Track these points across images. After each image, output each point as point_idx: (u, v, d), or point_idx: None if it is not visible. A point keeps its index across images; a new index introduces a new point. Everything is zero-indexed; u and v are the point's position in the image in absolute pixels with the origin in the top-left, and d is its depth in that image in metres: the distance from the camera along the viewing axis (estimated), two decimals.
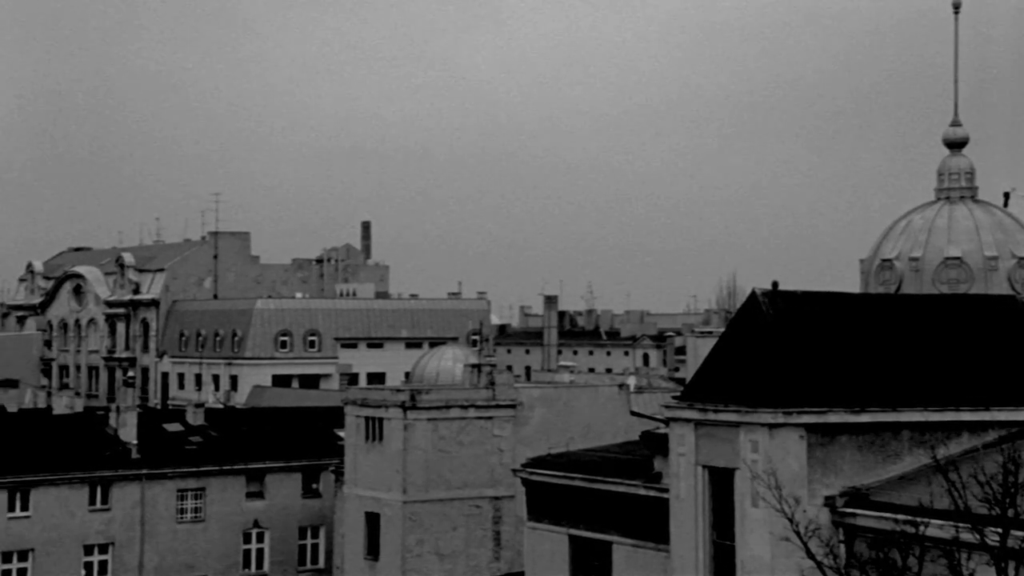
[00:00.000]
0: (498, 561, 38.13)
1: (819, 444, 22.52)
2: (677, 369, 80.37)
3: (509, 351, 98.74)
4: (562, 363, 69.05)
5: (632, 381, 51.42)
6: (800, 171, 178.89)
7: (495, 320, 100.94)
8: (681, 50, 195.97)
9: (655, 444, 26.83)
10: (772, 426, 22.35)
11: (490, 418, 39.09)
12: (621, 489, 27.17)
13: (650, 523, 25.81)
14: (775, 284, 24.84)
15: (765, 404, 22.48)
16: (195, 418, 51.20)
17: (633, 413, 40.56)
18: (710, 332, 50.63)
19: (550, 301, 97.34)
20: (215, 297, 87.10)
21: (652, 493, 26.18)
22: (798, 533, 20.06)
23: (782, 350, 23.58)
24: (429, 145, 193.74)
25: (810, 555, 19.90)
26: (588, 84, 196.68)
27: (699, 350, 39.58)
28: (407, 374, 57.94)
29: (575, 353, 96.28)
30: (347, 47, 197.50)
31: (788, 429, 22.34)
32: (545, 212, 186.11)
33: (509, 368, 48.80)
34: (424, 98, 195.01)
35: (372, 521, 38.58)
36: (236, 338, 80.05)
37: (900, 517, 20.14)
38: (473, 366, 42.85)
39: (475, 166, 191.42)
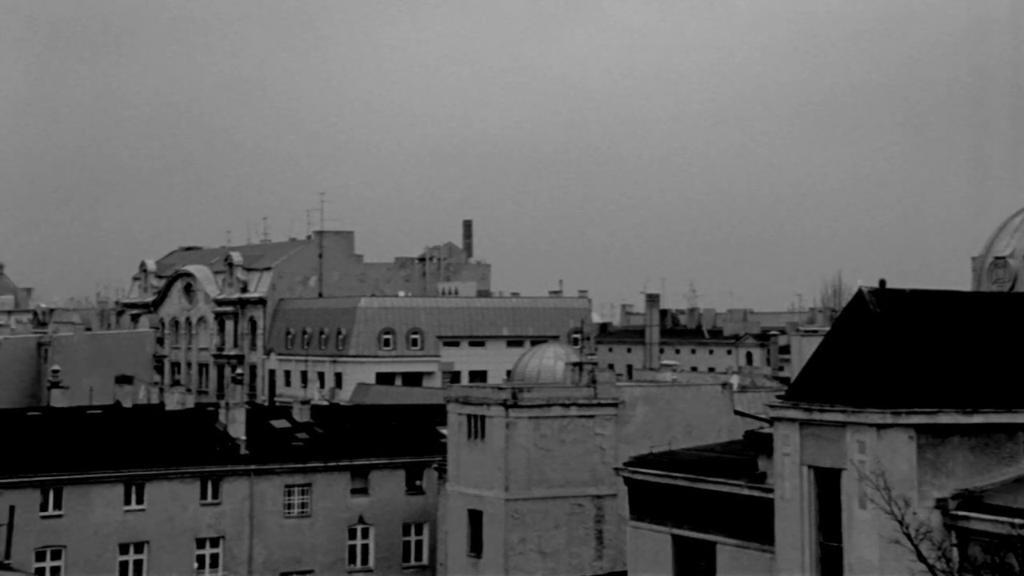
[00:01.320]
0: (600, 560, 38.06)
1: (929, 445, 22.05)
2: (781, 368, 79.24)
3: (610, 350, 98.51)
4: (664, 362, 68.60)
5: (735, 380, 50.86)
6: (909, 165, 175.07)
7: (596, 319, 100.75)
8: (776, 41, 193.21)
9: (759, 444, 26.54)
10: (880, 426, 21.95)
11: (592, 416, 39.04)
12: (725, 489, 26.93)
13: (755, 523, 25.54)
14: (882, 282, 24.38)
15: (873, 404, 22.08)
16: (301, 415, 52.03)
17: (736, 412, 40.14)
18: (815, 331, 49.85)
19: (652, 300, 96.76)
20: (320, 296, 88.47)
21: (756, 493, 25.89)
22: (909, 536, 19.67)
23: (890, 349, 23.13)
24: (531, 144, 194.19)
25: (921, 558, 19.50)
26: (686, 79, 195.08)
27: (804, 349, 39.04)
28: (508, 372, 58.15)
29: (677, 352, 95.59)
30: (447, 50, 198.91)
31: (897, 430, 21.92)
32: (647, 210, 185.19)
33: (610, 367, 48.78)
34: (525, 97, 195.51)
35: (475, 518, 38.81)
36: (340, 336, 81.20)
37: (1017, 521, 19.63)
38: (574, 364, 42.83)
39: (577, 164, 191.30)
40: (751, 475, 26.57)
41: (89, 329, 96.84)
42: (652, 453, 31.87)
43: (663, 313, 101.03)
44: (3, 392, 67.18)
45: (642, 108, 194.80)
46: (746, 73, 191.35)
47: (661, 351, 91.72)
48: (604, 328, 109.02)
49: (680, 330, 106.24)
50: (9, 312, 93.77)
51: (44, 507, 43.76)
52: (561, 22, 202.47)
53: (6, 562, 39.61)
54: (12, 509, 41.78)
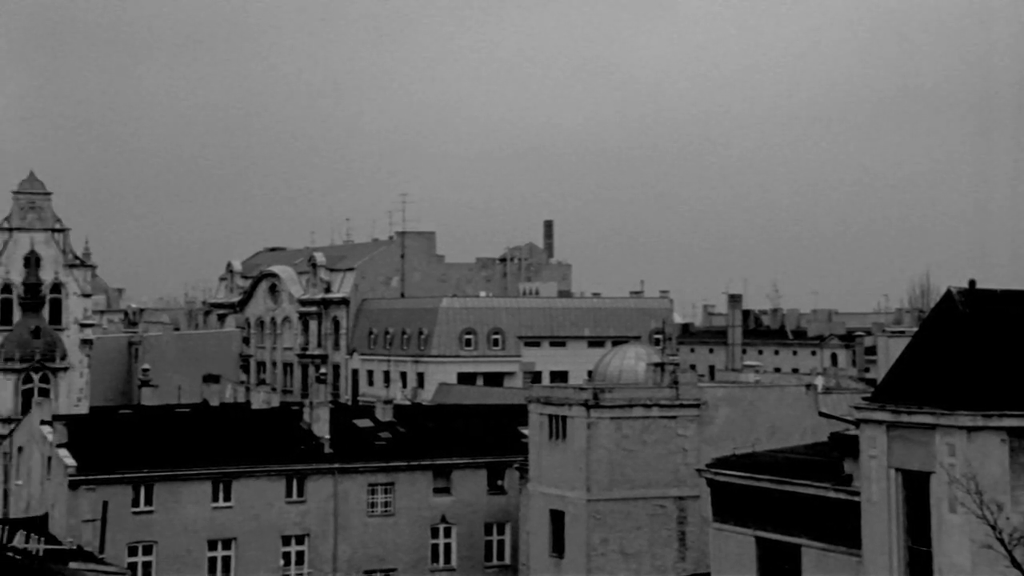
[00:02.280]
0: (683, 561, 37.87)
1: (1023, 448, 21.60)
2: (867, 370, 78.04)
3: (692, 350, 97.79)
4: (747, 363, 68.02)
5: (820, 381, 50.30)
6: (999, 162, 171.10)
7: (678, 319, 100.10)
8: (857, 37, 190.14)
9: (845, 446, 26.23)
10: (971, 429, 21.56)
11: (674, 417, 38.86)
12: (810, 491, 26.65)
13: (841, 526, 25.24)
14: (972, 282, 23.95)
15: (963, 406, 21.70)
16: (384, 414, 52.49)
17: (821, 414, 39.68)
18: (902, 332, 49.13)
19: (734, 300, 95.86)
20: (402, 296, 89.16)
21: (842, 496, 25.59)
22: (1002, 541, 19.32)
23: (980, 350, 22.70)
24: (612, 143, 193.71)
25: (1016, 564, 19.14)
26: (767, 76, 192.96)
27: (891, 350, 38.50)
28: (590, 372, 58.07)
29: (760, 353, 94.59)
30: (527, 50, 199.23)
31: (988, 432, 21.51)
32: (729, 209, 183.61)
33: (692, 367, 48.41)
34: (606, 96, 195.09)
35: (557, 519, 38.85)
36: (422, 336, 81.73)
37: None
38: (656, 365, 42.67)
39: (659, 163, 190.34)
40: (837, 478, 26.26)
41: (177, 329, 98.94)
42: (735, 455, 31.64)
43: (746, 314, 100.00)
44: (96, 390, 68.83)
45: (725, 105, 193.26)
46: (828, 69, 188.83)
47: (744, 352, 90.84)
48: (686, 329, 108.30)
49: (763, 331, 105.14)
50: (102, 312, 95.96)
51: (136, 503, 44.66)
52: (640, 19, 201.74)
53: (100, 556, 40.63)
54: (106, 505, 42.83)
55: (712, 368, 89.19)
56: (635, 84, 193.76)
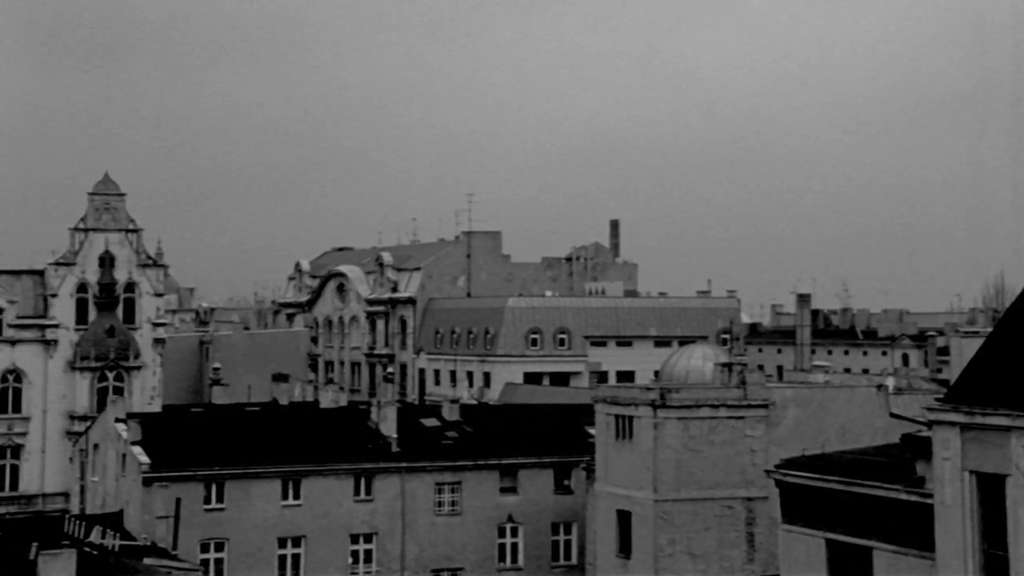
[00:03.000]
0: (752, 563, 37.60)
1: None
2: (939, 370, 76.82)
3: (760, 350, 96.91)
4: (816, 363, 67.27)
5: (891, 382, 49.65)
6: None
7: (745, 319, 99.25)
8: (929, 32, 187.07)
9: (917, 447, 25.86)
10: None
11: (741, 418, 38.62)
12: (881, 493, 26.32)
13: (914, 529, 24.90)
14: None
15: None
16: (451, 413, 52.72)
17: (893, 415, 39.12)
18: (976, 332, 48.24)
19: (803, 299, 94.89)
20: (468, 295, 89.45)
21: (915, 498, 25.24)
22: None
23: None
24: (678, 142, 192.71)
25: None
26: (835, 71, 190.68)
27: (964, 351, 37.84)
28: (656, 373, 57.88)
29: (829, 353, 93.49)
30: (592, 48, 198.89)
31: None
32: (797, 208, 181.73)
33: (760, 367, 48.00)
34: (672, 94, 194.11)
35: (624, 519, 38.78)
36: (488, 336, 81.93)
37: None
38: (723, 365, 42.42)
39: (725, 162, 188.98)
40: (909, 480, 25.90)
41: (247, 328, 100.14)
42: (804, 456, 31.33)
43: (814, 313, 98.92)
44: (168, 388, 69.92)
45: (791, 102, 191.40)
46: (898, 64, 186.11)
47: (812, 352, 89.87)
48: (753, 328, 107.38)
49: (832, 331, 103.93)
50: (173, 311, 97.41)
51: (207, 500, 45.27)
52: (704, 16, 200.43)
53: (173, 552, 41.29)
54: (178, 502, 43.52)
55: (780, 368, 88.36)
56: (700, 81, 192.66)
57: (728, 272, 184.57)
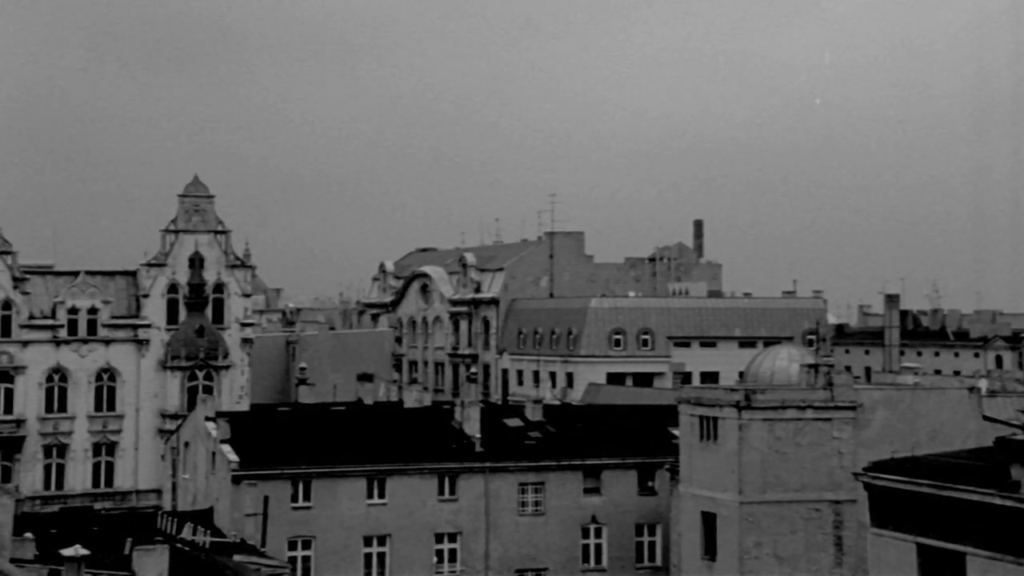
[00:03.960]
0: (840, 567, 37.11)
1: None
2: None
3: (847, 351, 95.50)
4: (905, 364, 66.05)
5: (984, 384, 48.65)
6: None
7: (832, 319, 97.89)
8: (1019, 31, 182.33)
9: (1012, 451, 25.34)
10: None
11: (828, 420, 38.17)
12: (975, 498, 25.80)
13: (1008, 534, 24.38)
14: None
15: None
16: (534, 414, 52.80)
17: (986, 418, 38.39)
18: None
19: (891, 300, 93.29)
20: (551, 296, 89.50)
21: (1010, 503, 24.71)
22: None
23: None
24: (762, 141, 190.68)
25: None
26: (920, 71, 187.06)
27: None
28: (741, 374, 57.35)
29: (919, 354, 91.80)
30: (674, 47, 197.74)
31: None
32: (885, 206, 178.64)
33: (848, 369, 47.43)
34: (755, 92, 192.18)
35: (708, 521, 38.54)
36: (571, 336, 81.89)
37: None
38: (810, 366, 41.97)
39: (810, 161, 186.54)
40: (1003, 484, 25.37)
41: (333, 328, 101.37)
42: (894, 458, 30.87)
43: (903, 314, 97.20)
44: (256, 388, 71.00)
45: (878, 99, 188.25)
46: (986, 59, 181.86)
47: (901, 353, 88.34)
48: (840, 329, 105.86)
49: (922, 332, 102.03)
50: (261, 312, 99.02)
51: (295, 499, 45.88)
52: (787, 12, 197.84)
53: (262, 550, 41.96)
54: (266, 500, 44.22)
55: (868, 370, 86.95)
56: (786, 78, 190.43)
57: (814, 272, 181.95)
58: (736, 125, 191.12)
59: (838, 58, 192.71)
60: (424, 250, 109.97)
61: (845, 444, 37.71)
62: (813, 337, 77.82)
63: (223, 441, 46.67)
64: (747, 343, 79.45)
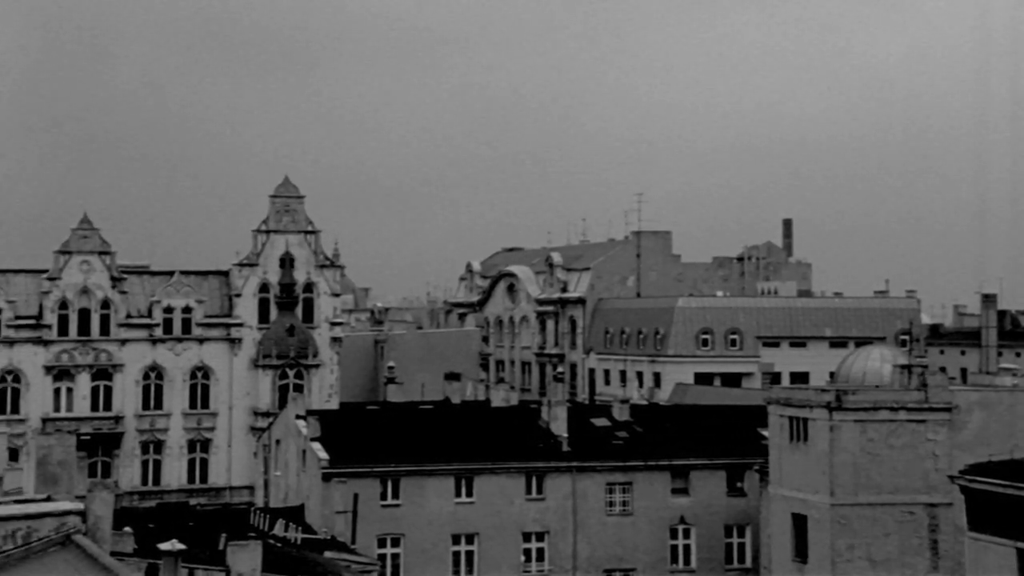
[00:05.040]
0: (936, 571, 36.41)
1: None
2: None
3: (942, 352, 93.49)
4: (1003, 365, 64.56)
5: None
6: None
7: (926, 319, 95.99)
8: None
9: None
10: None
11: (923, 421, 37.48)
12: None
13: None
14: None
15: None
16: (620, 414, 52.63)
17: None
18: None
19: (988, 300, 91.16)
20: (638, 295, 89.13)
21: None
22: None
23: None
24: (852, 138, 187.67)
25: None
26: (1010, 68, 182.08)
27: None
28: (831, 374, 56.49)
29: (1018, 355, 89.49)
30: (761, 43, 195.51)
31: None
32: (981, 204, 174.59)
33: (942, 370, 46.41)
34: (844, 90, 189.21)
35: (799, 523, 38.09)
36: (658, 336, 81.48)
37: None
38: (903, 367, 41.26)
39: (902, 158, 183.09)
40: None
41: (420, 327, 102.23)
42: (992, 461, 30.24)
43: (1001, 314, 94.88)
44: (345, 386, 71.84)
45: (970, 96, 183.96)
46: None
47: (999, 355, 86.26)
48: (935, 330, 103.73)
49: (1020, 332, 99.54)
50: (350, 311, 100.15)
51: (384, 496, 46.31)
52: (878, 9, 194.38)
53: (352, 547, 42.43)
54: (356, 497, 44.68)
55: (964, 371, 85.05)
56: (875, 75, 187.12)
57: (907, 272, 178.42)
58: (826, 121, 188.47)
59: (927, 50, 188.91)
60: (511, 250, 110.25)
61: (940, 446, 37.00)
62: (906, 337, 76.35)
63: (313, 439, 47.28)
64: (838, 343, 78.26)
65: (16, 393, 64.42)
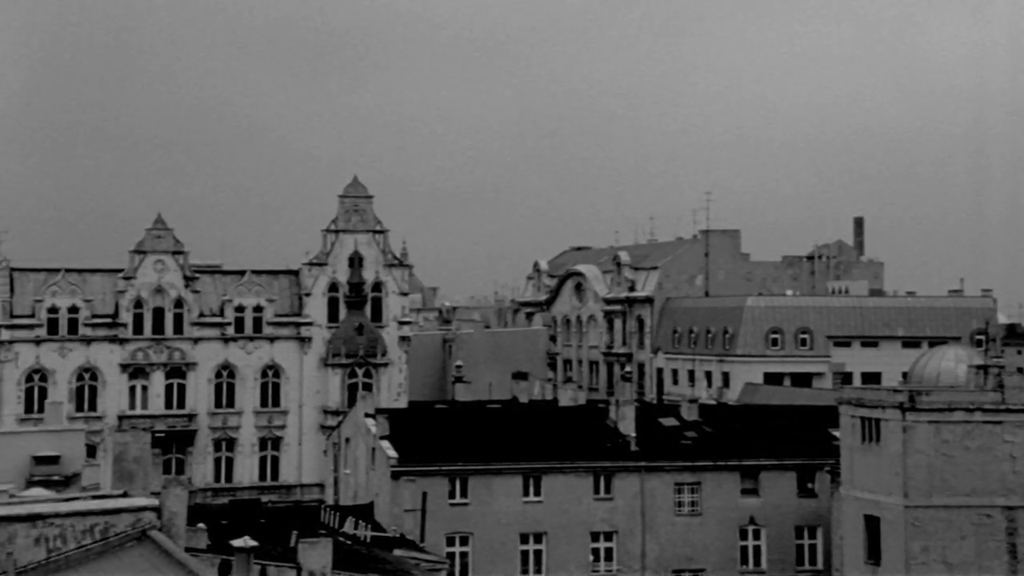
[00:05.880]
0: (1015, 575, 35.73)
1: None
2: None
3: (1020, 352, 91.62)
4: None
5: None
6: None
7: (1002, 319, 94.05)
8: None
9: None
10: None
11: (999, 423, 36.81)
12: None
13: None
14: None
15: None
16: (689, 413, 52.32)
17: None
18: None
19: None
20: (706, 295, 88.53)
21: None
22: None
23: None
24: (923, 134, 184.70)
25: None
26: None
27: None
28: (904, 375, 55.69)
29: None
30: (831, 41, 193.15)
31: None
32: None
33: (1020, 371, 45.52)
34: (916, 87, 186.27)
35: (872, 525, 37.60)
36: (727, 335, 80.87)
37: None
38: (978, 367, 40.54)
39: (975, 154, 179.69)
40: None
41: (488, 327, 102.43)
42: None
43: None
44: (413, 385, 72.23)
45: None
46: None
47: None
48: (1012, 330, 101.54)
49: None
50: (418, 310, 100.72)
51: (452, 495, 46.46)
52: (950, 4, 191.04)
53: (421, 545, 42.67)
54: (425, 496, 44.92)
55: None
56: (947, 71, 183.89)
57: (983, 270, 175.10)
58: (897, 118, 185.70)
59: (1004, 46, 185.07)
60: (578, 249, 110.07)
61: (1018, 448, 36.33)
62: (982, 337, 74.96)
63: (382, 437, 47.58)
64: (911, 343, 77.07)
65: (93, 391, 65.65)
